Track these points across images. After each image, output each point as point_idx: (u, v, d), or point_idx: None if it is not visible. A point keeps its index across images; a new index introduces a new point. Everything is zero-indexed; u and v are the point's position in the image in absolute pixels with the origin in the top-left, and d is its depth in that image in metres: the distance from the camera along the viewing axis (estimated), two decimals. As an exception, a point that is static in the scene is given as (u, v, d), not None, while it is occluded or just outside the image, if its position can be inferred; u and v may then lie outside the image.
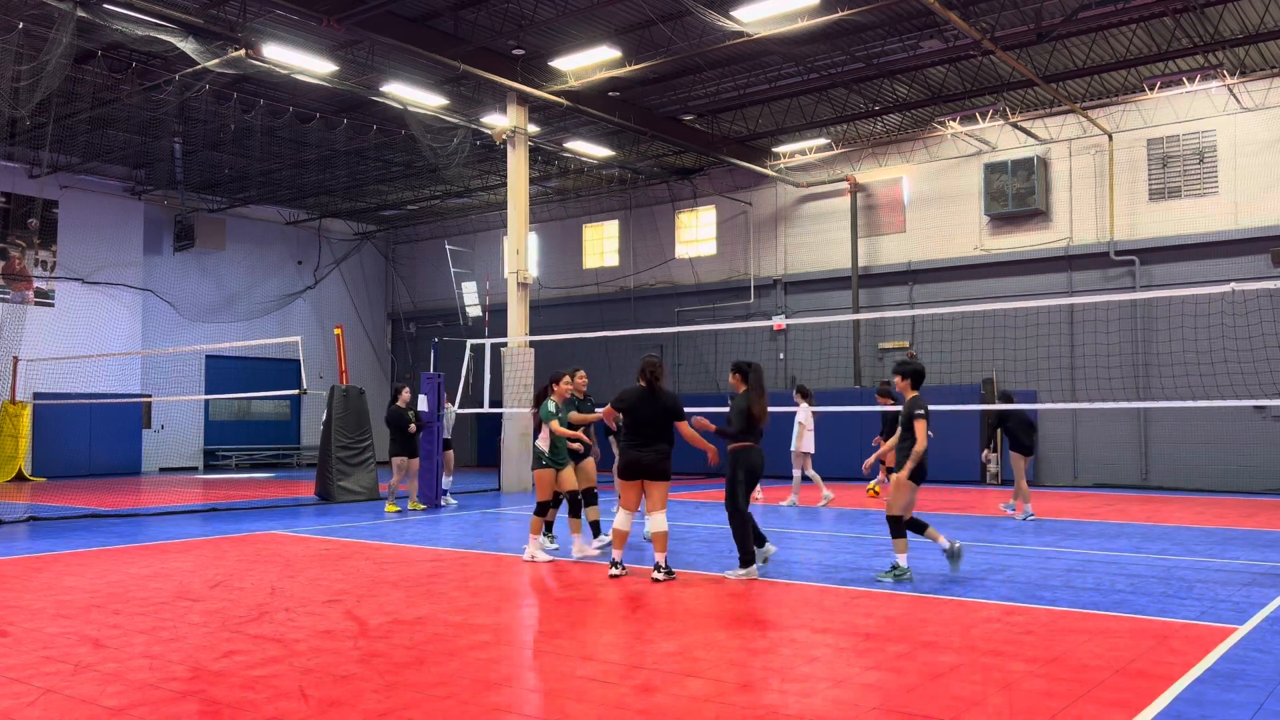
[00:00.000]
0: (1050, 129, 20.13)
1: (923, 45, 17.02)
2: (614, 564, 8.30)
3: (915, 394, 8.33)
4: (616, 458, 8.75)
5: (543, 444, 9.27)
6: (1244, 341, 15.77)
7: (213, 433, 27.47)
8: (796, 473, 15.14)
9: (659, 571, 8.10)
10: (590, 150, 21.73)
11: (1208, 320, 16.62)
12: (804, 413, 14.97)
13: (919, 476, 8.12)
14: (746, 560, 8.12)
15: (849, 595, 7.43)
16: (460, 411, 16.43)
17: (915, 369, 8.39)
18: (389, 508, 14.27)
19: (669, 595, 7.47)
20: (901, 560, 7.92)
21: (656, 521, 8.19)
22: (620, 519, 8.31)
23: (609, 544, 9.11)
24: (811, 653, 5.62)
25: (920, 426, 8.05)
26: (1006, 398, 13.94)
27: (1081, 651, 5.60)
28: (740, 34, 15.44)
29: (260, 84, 18.30)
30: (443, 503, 15.46)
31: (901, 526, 7.95)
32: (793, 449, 15.06)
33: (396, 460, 14.18)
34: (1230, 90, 17.98)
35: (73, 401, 22.87)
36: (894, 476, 8.17)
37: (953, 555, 8.06)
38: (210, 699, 4.72)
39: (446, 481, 15.62)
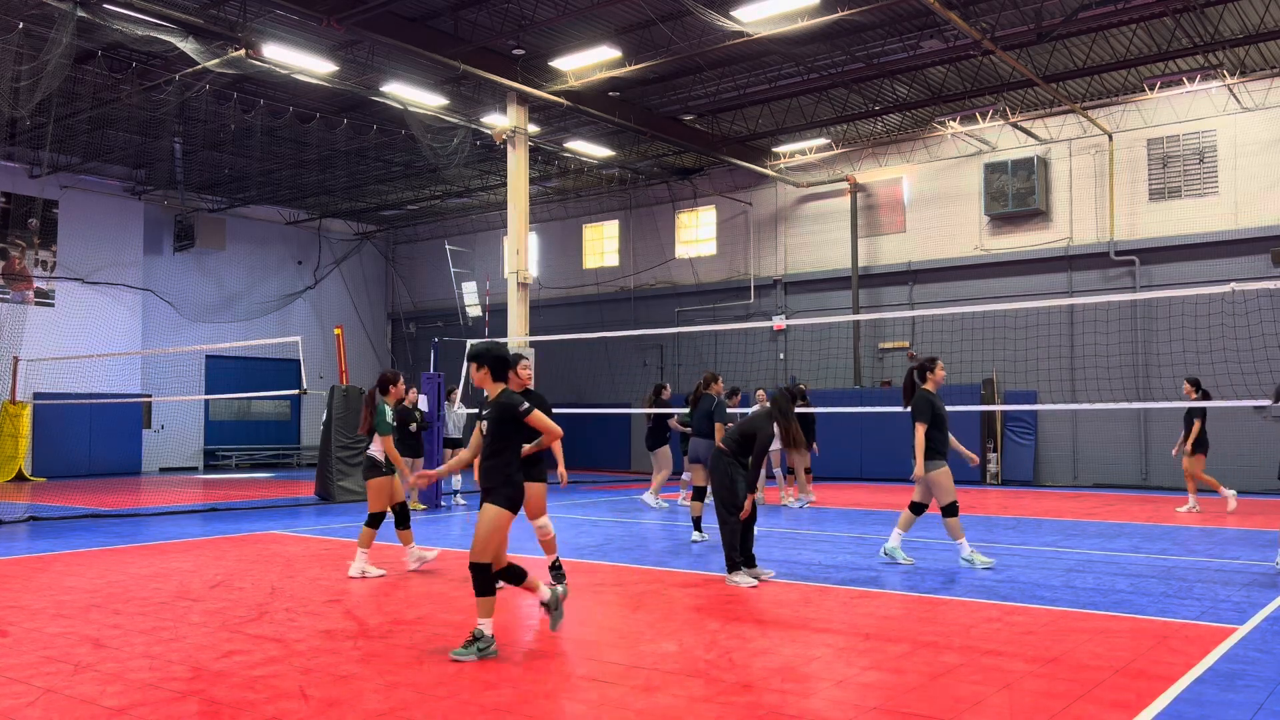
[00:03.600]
0: (1050, 129, 20.13)
1: (923, 45, 17.01)
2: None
3: (504, 387, 5.79)
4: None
5: (378, 451, 8.41)
6: (1244, 341, 15.77)
7: (213, 433, 27.46)
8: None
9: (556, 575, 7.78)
10: (590, 150, 21.73)
11: (1208, 320, 16.63)
12: None
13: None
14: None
15: (849, 595, 7.43)
16: (463, 411, 16.44)
17: (498, 354, 5.78)
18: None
19: (669, 595, 7.47)
20: (486, 627, 5.57)
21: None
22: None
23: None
24: (811, 653, 5.62)
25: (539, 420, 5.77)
26: (801, 395, 14.74)
27: (1081, 651, 5.60)
28: (740, 34, 15.44)
29: (260, 84, 18.30)
30: (454, 502, 15.47)
31: (489, 580, 5.59)
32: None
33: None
34: (1230, 90, 17.98)
35: (73, 401, 22.86)
36: (486, 507, 5.73)
37: (551, 606, 6.00)
38: (210, 699, 4.72)
39: (456, 481, 15.62)
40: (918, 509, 8.93)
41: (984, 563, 8.67)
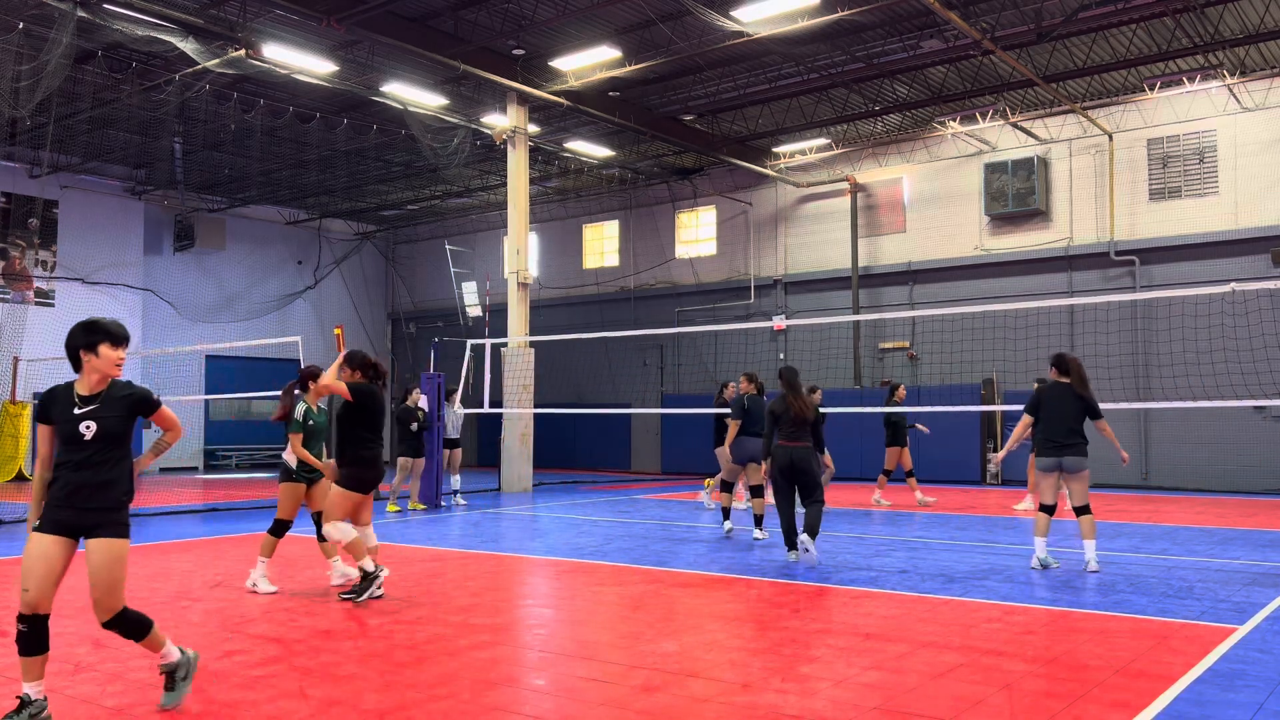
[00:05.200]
0: (1050, 129, 20.13)
1: (923, 45, 17.02)
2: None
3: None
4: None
5: (290, 456, 7.74)
6: (1244, 341, 15.77)
7: (213, 433, 27.45)
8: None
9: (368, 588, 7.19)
10: (590, 150, 21.73)
11: (1208, 320, 16.62)
12: None
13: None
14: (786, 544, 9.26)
15: (849, 595, 7.43)
16: (462, 412, 16.43)
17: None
18: (390, 507, 14.29)
19: (669, 595, 7.47)
20: (171, 652, 4.55)
21: (369, 535, 7.48)
22: (350, 530, 7.27)
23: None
24: (811, 653, 5.62)
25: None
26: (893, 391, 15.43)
27: (1081, 651, 5.60)
28: (740, 34, 15.44)
29: (260, 84, 18.30)
30: (454, 503, 15.46)
31: (142, 621, 4.51)
32: None
33: (401, 460, 14.19)
34: (1230, 90, 17.98)
35: (73, 401, 22.82)
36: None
37: (175, 677, 4.57)
38: (210, 699, 4.72)
39: (455, 481, 15.60)
40: (1084, 512, 8.56)
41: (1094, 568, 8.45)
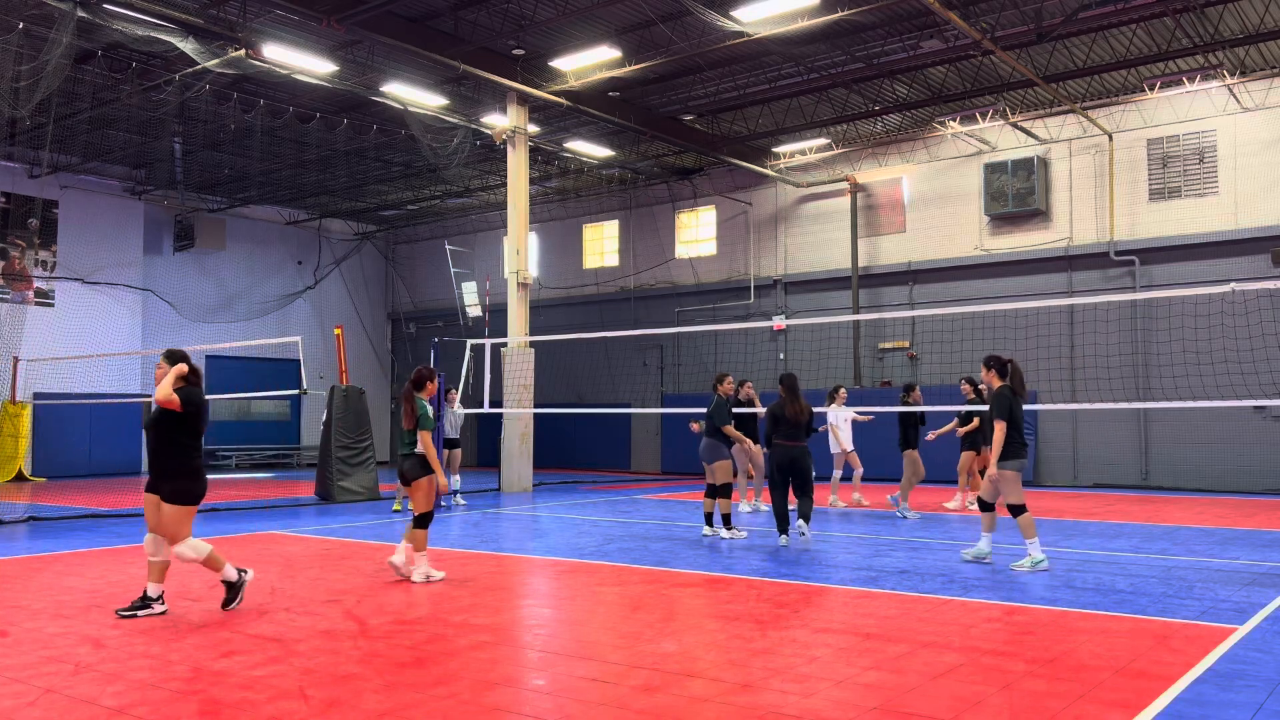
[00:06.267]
0: (1050, 129, 20.13)
1: (923, 45, 17.02)
2: (156, 600, 6.79)
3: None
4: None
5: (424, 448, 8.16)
6: (1244, 341, 15.76)
7: (213, 433, 27.38)
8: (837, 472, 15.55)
9: (159, 604, 6.79)
10: (590, 150, 21.73)
11: (1208, 320, 16.62)
12: (834, 413, 15.27)
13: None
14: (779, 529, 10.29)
15: (849, 595, 7.43)
16: (462, 412, 16.43)
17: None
18: (395, 506, 14.38)
19: (669, 595, 7.47)
20: None
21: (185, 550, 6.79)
22: (191, 547, 6.83)
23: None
24: (811, 653, 5.62)
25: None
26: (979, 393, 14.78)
27: (1081, 651, 5.60)
28: (740, 34, 15.44)
29: (260, 84, 18.30)
30: (454, 503, 15.47)
31: None
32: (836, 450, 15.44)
33: None
34: (1230, 90, 17.98)
35: (73, 401, 22.85)
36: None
37: None
38: (210, 699, 4.72)
39: (455, 481, 15.60)
40: (985, 506, 9.06)
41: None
